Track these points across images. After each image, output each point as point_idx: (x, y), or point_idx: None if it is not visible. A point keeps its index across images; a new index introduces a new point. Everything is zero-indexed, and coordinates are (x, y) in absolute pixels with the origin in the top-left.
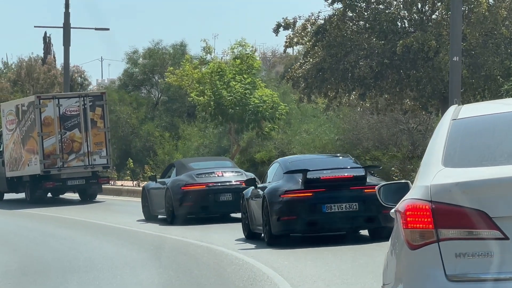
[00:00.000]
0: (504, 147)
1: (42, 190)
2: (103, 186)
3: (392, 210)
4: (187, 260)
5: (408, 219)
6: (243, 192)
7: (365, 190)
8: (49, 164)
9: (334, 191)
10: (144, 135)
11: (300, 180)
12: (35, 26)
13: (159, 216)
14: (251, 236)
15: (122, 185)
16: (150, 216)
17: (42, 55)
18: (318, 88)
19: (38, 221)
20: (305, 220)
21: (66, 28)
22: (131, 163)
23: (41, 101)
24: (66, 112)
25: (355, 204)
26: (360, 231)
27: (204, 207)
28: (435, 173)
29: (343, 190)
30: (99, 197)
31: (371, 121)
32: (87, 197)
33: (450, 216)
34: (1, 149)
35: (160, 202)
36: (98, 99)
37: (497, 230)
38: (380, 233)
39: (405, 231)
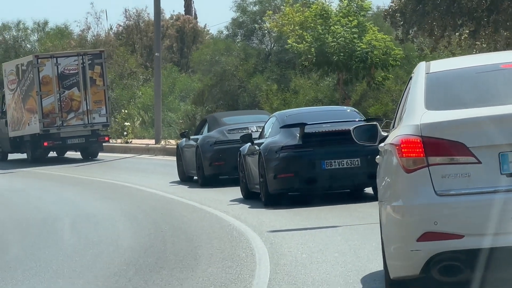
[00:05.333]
0: (471, 94)
1: (42, 149)
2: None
3: (382, 144)
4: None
5: (403, 150)
6: (240, 149)
7: None
8: (48, 123)
9: (334, 146)
10: (252, 89)
11: (298, 135)
12: None
13: (195, 178)
14: (249, 195)
15: None
16: (184, 177)
17: (183, 12)
18: (418, 24)
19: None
20: (303, 178)
21: None
22: None
23: (39, 60)
24: (65, 71)
25: (357, 160)
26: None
27: (236, 167)
28: (421, 115)
29: (344, 145)
30: (100, 155)
31: None
32: (89, 156)
33: (436, 147)
34: (4, 109)
35: (193, 162)
36: (97, 57)
37: (472, 157)
38: None
39: (401, 159)
